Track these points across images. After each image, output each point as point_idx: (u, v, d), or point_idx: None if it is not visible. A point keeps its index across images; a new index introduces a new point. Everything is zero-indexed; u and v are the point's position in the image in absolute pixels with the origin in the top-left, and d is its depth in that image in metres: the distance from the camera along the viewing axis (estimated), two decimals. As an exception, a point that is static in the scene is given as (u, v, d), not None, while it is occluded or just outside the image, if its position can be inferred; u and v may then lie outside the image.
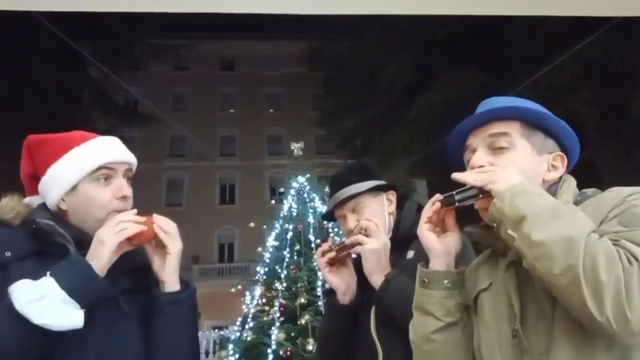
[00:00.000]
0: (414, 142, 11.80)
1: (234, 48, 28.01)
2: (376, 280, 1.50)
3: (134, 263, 1.30)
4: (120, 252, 1.22)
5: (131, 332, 1.24)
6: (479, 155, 1.11)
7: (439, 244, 1.16)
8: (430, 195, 1.23)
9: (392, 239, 1.59)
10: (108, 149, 1.34)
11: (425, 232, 1.17)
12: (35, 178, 1.32)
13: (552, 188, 1.09)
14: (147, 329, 1.25)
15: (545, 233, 0.88)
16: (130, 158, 1.38)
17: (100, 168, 1.28)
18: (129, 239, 1.23)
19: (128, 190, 1.34)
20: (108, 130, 14.98)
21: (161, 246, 1.28)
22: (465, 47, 10.15)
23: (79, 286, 1.10)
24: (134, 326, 1.25)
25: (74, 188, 1.28)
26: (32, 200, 1.34)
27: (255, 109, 26.97)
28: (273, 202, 7.93)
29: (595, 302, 0.81)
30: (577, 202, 1.05)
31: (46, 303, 1.05)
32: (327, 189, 7.29)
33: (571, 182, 1.11)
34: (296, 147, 7.56)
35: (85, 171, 1.27)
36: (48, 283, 1.09)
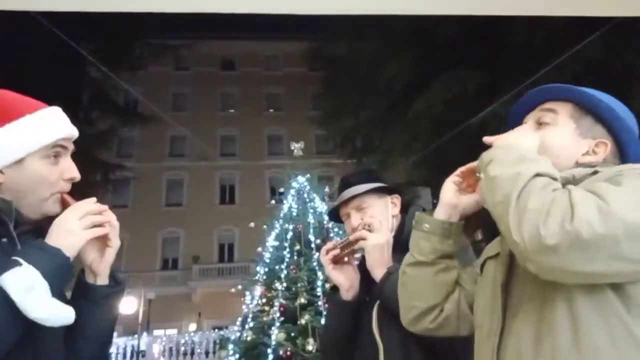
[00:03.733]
0: (414, 142, 11.80)
1: (234, 48, 28.02)
2: (378, 273, 1.54)
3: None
4: None
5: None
6: (521, 126, 1.15)
7: (450, 196, 1.21)
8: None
9: (395, 241, 1.62)
10: (63, 123, 1.23)
11: (447, 182, 1.22)
12: None
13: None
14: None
15: (501, 170, 0.93)
16: (77, 133, 1.27)
17: (54, 145, 1.18)
18: None
19: (77, 173, 1.23)
20: (108, 130, 15.03)
21: (98, 238, 1.23)
22: (465, 47, 10.15)
23: (56, 276, 1.04)
24: None
25: (20, 161, 1.14)
26: None
27: (255, 109, 26.97)
28: (273, 202, 7.94)
29: (517, 224, 0.83)
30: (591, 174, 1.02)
31: (35, 295, 0.99)
32: (327, 189, 7.33)
33: (604, 167, 1.03)
34: (296, 147, 7.57)
35: (40, 145, 1.16)
36: (32, 272, 1.00)
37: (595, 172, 0.99)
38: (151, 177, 23.89)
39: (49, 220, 1.16)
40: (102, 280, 1.24)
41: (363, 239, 1.58)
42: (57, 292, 1.05)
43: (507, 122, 1.23)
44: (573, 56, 6.81)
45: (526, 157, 0.94)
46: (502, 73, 9.46)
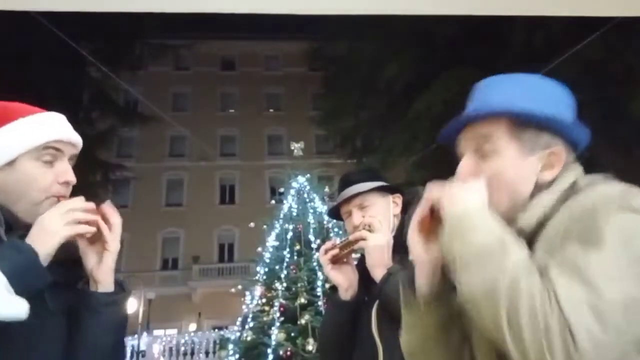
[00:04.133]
0: (414, 142, 11.81)
1: (234, 48, 28.04)
2: (378, 273, 1.53)
3: (67, 253, 1.17)
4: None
5: (58, 330, 1.14)
6: (462, 165, 1.03)
7: (422, 253, 1.05)
8: None
9: (395, 241, 1.60)
10: (58, 126, 1.20)
11: (411, 238, 1.06)
12: None
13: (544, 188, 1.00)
14: (70, 326, 1.16)
15: (471, 287, 0.85)
16: (78, 140, 1.24)
17: (47, 147, 1.16)
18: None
19: (73, 176, 1.19)
20: (108, 130, 15.04)
21: (96, 241, 1.18)
22: (465, 47, 10.16)
23: (20, 272, 0.99)
24: (60, 323, 1.15)
25: (11, 163, 1.13)
26: None
27: (255, 109, 26.99)
28: (273, 202, 7.96)
29: (520, 353, 0.77)
30: (561, 199, 0.95)
31: None
32: (327, 189, 7.33)
33: (562, 182, 0.98)
34: (296, 147, 7.58)
35: (30, 146, 1.14)
36: None
37: (563, 195, 0.94)
38: (151, 177, 23.90)
39: None
40: (104, 287, 1.18)
41: (363, 239, 1.56)
42: (26, 289, 1.00)
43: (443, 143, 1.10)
44: (573, 56, 6.81)
45: (485, 251, 0.84)
46: (502, 73, 9.45)
